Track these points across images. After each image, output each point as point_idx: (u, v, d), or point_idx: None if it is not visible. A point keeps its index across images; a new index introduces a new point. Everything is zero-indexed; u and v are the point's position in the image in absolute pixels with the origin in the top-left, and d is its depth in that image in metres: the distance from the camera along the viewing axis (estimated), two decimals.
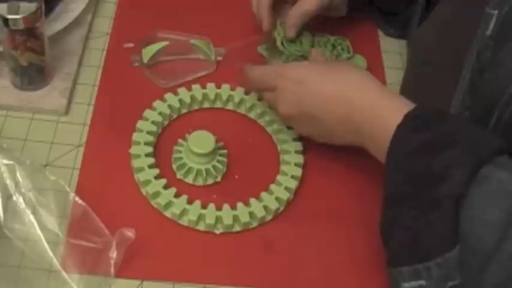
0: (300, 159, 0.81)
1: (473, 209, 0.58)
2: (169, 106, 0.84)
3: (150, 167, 0.79)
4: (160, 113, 0.84)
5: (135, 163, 0.79)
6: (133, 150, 0.80)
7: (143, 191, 0.78)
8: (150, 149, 0.81)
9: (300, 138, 0.83)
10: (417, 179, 0.62)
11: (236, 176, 0.81)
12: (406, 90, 0.86)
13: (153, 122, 0.83)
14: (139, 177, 0.78)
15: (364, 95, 0.71)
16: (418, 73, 0.83)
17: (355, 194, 0.81)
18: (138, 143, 0.81)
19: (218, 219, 0.76)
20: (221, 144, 0.82)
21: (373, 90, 0.71)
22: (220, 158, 0.81)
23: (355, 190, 0.80)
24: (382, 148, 0.67)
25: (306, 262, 0.75)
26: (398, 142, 0.65)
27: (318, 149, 0.83)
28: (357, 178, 0.82)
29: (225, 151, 0.82)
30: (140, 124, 0.82)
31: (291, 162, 0.81)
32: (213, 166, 0.80)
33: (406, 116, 0.66)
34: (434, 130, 0.64)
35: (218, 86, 0.87)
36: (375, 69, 0.94)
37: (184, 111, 0.86)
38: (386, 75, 0.94)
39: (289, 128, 0.84)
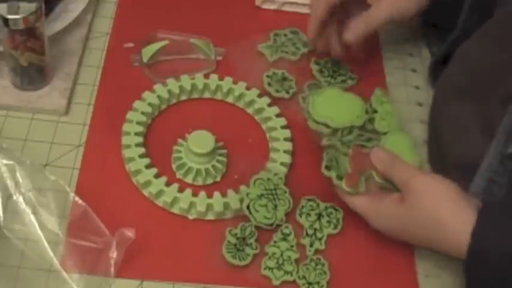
0: (287, 159, 0.82)
1: None
2: (158, 97, 0.85)
3: (141, 156, 0.79)
4: (149, 104, 0.84)
5: (126, 153, 0.79)
6: (124, 140, 0.81)
7: (134, 180, 0.79)
8: (140, 139, 0.81)
9: (291, 139, 0.83)
10: None
11: (236, 176, 0.81)
12: (441, 98, 0.85)
13: (142, 113, 0.83)
14: (131, 166, 0.79)
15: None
16: (456, 84, 0.82)
17: None
18: (129, 134, 0.81)
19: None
20: (221, 144, 0.82)
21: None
22: (219, 158, 0.81)
23: None
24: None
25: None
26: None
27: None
28: None
29: (224, 151, 0.82)
30: (130, 115, 0.83)
31: (278, 161, 0.81)
32: (213, 166, 0.80)
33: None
34: None
35: (220, 79, 0.88)
36: (375, 69, 0.94)
37: (173, 101, 0.87)
38: (387, 76, 0.94)
39: (283, 127, 0.84)
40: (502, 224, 0.65)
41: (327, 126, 0.79)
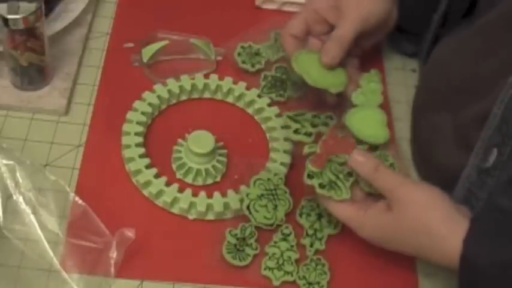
0: (287, 159, 0.82)
1: None
2: (158, 97, 0.85)
3: (141, 156, 0.79)
4: (149, 104, 0.84)
5: (126, 153, 0.79)
6: (124, 140, 0.81)
7: (134, 180, 0.79)
8: (140, 139, 0.81)
9: (292, 142, 0.83)
10: None
11: (236, 176, 0.81)
12: (419, 108, 0.85)
13: (142, 113, 0.83)
14: (131, 166, 0.79)
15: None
16: (432, 93, 0.82)
17: None
18: (129, 134, 0.81)
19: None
20: (221, 144, 0.82)
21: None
22: (220, 158, 0.81)
23: None
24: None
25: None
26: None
27: None
28: None
29: (224, 151, 0.82)
30: (130, 115, 0.83)
31: (278, 161, 0.81)
32: (213, 166, 0.80)
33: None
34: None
35: (220, 79, 0.88)
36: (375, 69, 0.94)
37: (173, 101, 0.87)
38: (387, 76, 0.94)
39: (283, 127, 0.84)
40: (493, 232, 0.64)
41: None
